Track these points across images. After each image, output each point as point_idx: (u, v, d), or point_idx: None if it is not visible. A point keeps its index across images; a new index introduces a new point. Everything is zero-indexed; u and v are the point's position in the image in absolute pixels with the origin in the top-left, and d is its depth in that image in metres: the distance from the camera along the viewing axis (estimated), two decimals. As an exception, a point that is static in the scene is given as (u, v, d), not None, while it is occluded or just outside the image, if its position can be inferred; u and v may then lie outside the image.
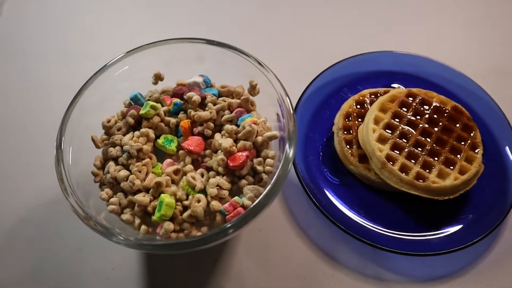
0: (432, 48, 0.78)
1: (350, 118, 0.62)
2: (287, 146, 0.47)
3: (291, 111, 0.49)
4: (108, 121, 0.54)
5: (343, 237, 0.57)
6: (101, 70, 0.55)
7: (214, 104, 0.54)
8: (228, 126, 0.51)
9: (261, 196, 0.45)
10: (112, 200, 0.49)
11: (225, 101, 0.55)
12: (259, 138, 0.51)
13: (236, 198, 0.48)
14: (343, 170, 0.61)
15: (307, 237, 0.57)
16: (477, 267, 0.56)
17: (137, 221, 0.49)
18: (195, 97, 0.53)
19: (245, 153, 0.50)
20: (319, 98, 0.65)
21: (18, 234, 0.59)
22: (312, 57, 0.76)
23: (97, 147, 0.53)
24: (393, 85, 0.68)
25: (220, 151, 0.50)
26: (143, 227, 0.49)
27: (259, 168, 0.50)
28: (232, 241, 0.57)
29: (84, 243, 0.58)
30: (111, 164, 0.51)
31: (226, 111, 0.54)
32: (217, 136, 0.52)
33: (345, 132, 0.61)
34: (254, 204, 0.45)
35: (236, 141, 0.52)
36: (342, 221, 0.55)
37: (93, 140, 0.53)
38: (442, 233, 0.56)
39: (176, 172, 0.51)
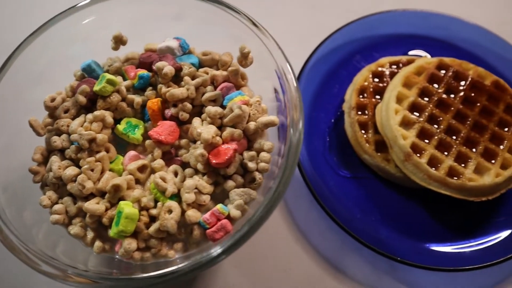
0: (466, 7, 0.63)
1: (366, 94, 0.50)
2: (291, 135, 0.35)
3: (296, 88, 0.37)
4: (53, 100, 0.41)
5: (353, 245, 0.46)
6: (44, 26, 0.41)
7: (193, 78, 0.41)
8: (210, 108, 0.39)
9: (259, 209, 0.33)
10: (56, 207, 0.37)
11: (207, 74, 0.42)
12: (252, 125, 0.39)
13: (219, 206, 0.37)
14: (355, 159, 0.49)
15: (309, 245, 0.46)
16: (516, 282, 0.46)
17: (90, 235, 0.38)
18: (167, 68, 0.40)
19: (232, 146, 0.38)
20: (326, 67, 0.53)
21: None
22: (318, 16, 0.62)
23: (39, 134, 0.41)
24: (416, 52, 0.55)
25: (199, 142, 0.38)
26: (98, 243, 0.37)
27: (251, 165, 0.38)
28: (217, 250, 0.46)
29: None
30: (54, 159, 0.38)
31: (209, 87, 0.41)
32: (196, 121, 0.39)
33: (359, 112, 0.49)
34: (250, 222, 0.33)
35: (221, 127, 0.39)
36: (352, 225, 0.44)
37: (31, 125, 0.40)
38: (477, 242, 0.45)
39: (141, 169, 0.39)
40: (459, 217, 0.47)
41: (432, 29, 0.55)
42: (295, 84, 0.37)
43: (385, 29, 0.55)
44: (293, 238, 0.46)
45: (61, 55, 0.43)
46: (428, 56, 0.54)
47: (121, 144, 0.41)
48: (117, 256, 0.38)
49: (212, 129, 0.38)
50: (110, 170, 0.39)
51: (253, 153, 0.39)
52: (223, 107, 0.40)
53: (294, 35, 0.58)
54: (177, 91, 0.39)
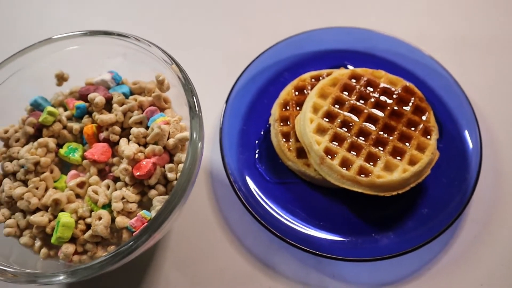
0: (382, 21, 0.70)
1: (288, 107, 0.55)
2: (187, 144, 0.41)
3: (196, 106, 0.43)
4: (6, 132, 0.48)
5: (282, 244, 0.51)
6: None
7: (121, 105, 0.47)
8: (134, 130, 0.45)
9: (162, 205, 0.39)
10: (8, 222, 0.44)
11: (136, 100, 0.48)
12: (171, 141, 0.45)
13: (142, 212, 0.43)
14: (282, 167, 0.54)
15: (242, 246, 0.51)
16: (433, 269, 0.50)
17: (38, 243, 0.44)
18: (98, 98, 0.47)
19: (152, 160, 0.44)
20: (255, 86, 0.58)
21: None
22: (248, 39, 0.68)
23: (-5, 161, 0.48)
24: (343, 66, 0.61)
25: (124, 159, 0.44)
26: (43, 250, 0.44)
27: (171, 175, 0.44)
28: (159, 253, 0.51)
29: None
30: (6, 181, 0.45)
31: (136, 112, 0.47)
32: (122, 141, 0.46)
33: (282, 124, 0.54)
34: (155, 216, 0.39)
35: (146, 145, 0.46)
36: (278, 227, 0.49)
37: (-12, 154, 0.47)
38: (392, 232, 0.49)
39: (81, 185, 0.46)
40: (376, 211, 0.51)
41: (354, 43, 0.61)
42: (194, 100, 0.43)
43: (310, 47, 0.61)
44: (228, 241, 0.52)
45: (16, 92, 0.50)
46: (351, 67, 0.60)
47: (67, 165, 0.48)
48: (60, 261, 0.44)
49: (134, 147, 0.44)
50: (55, 187, 0.46)
51: (171, 165, 0.45)
52: (148, 128, 0.46)
53: (227, 58, 0.65)
54: (106, 117, 0.46)
